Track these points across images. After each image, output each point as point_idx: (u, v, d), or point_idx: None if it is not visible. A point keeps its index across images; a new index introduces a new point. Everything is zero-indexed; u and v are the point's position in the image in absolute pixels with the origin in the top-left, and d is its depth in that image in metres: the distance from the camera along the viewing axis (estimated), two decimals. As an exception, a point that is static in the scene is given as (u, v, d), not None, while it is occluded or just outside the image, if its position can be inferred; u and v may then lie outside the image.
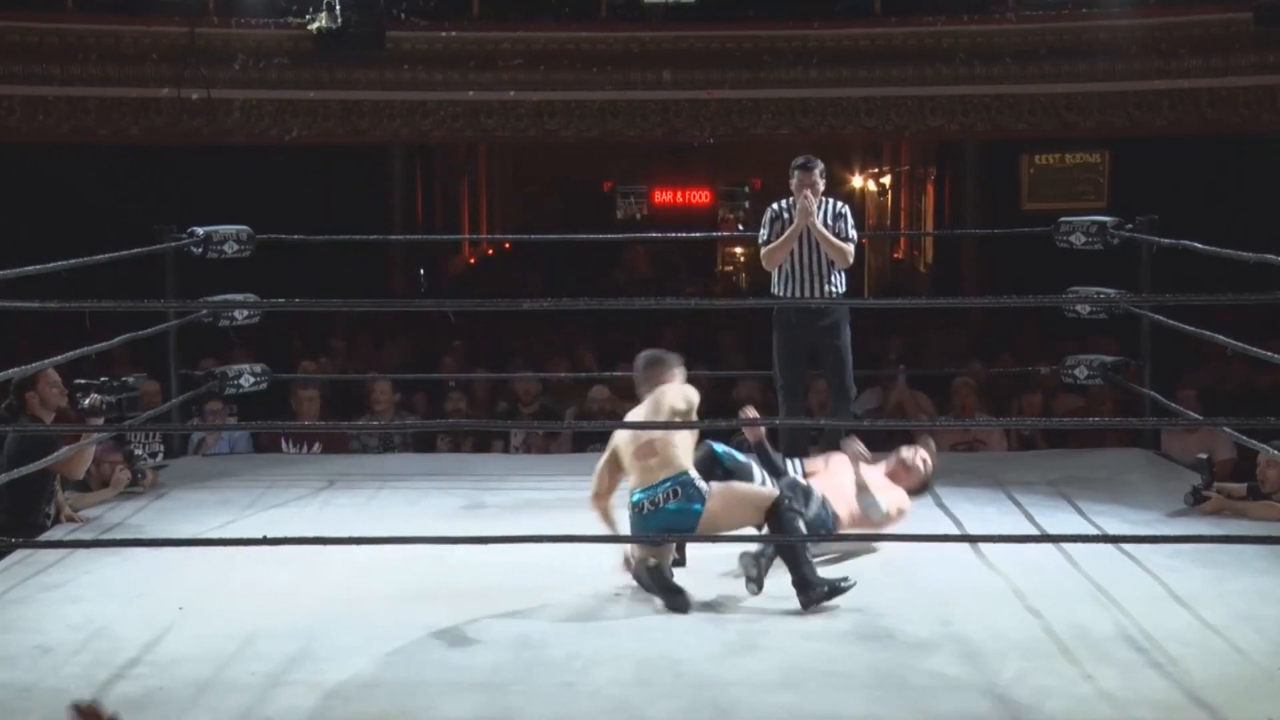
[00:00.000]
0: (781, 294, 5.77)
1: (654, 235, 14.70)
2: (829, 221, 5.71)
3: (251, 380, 6.70)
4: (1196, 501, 5.47)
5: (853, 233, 5.77)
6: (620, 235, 16.68)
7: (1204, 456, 5.60)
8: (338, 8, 9.56)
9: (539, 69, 10.46)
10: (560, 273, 15.93)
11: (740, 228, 19.84)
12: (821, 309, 5.72)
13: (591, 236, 11.52)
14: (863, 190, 19.14)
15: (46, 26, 10.09)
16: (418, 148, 14.10)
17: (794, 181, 5.71)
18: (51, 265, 4.68)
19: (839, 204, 5.86)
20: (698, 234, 14.20)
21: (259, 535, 4.36)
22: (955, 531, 5.15)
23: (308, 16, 9.87)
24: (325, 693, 3.64)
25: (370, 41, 9.92)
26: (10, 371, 4.64)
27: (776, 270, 5.78)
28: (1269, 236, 5.66)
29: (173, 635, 4.09)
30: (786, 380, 5.88)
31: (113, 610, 4.31)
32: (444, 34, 10.41)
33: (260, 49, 10.16)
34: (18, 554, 4.79)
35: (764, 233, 5.80)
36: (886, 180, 18.69)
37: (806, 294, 5.72)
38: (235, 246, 6.47)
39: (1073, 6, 10.39)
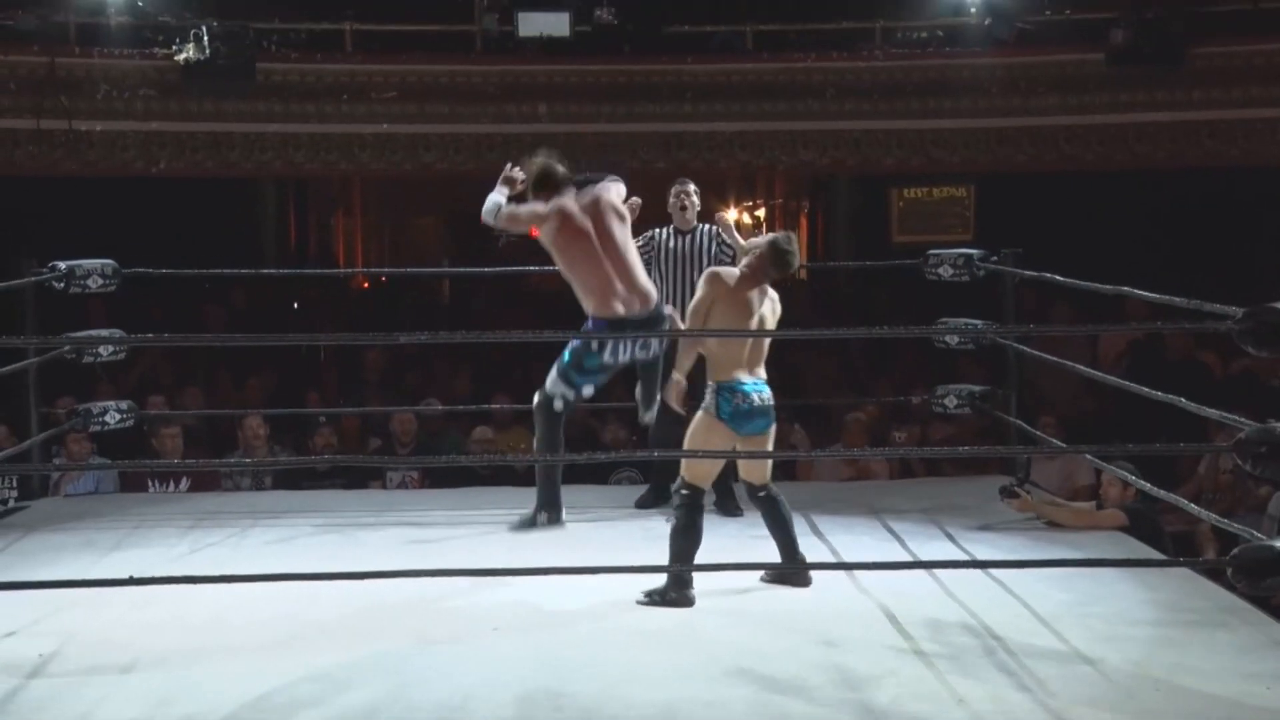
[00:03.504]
0: None
1: (531, 269, 14.66)
2: (716, 243, 6.01)
3: (118, 417, 6.53)
4: (1008, 496, 5.83)
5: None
6: (495, 269, 16.60)
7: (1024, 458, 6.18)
8: (205, 39, 9.40)
9: (413, 102, 10.42)
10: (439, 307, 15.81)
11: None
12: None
13: (465, 270, 11.46)
14: (738, 223, 19.32)
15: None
16: (291, 180, 13.92)
17: (671, 199, 6.08)
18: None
19: (714, 229, 6.09)
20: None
21: (124, 576, 4.25)
22: (831, 559, 5.23)
23: (174, 47, 9.71)
24: (195, 737, 3.56)
25: (239, 73, 9.79)
26: None
27: None
28: (1123, 270, 5.86)
29: (34, 683, 3.95)
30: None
31: (-31, 658, 4.15)
32: (315, 66, 10.32)
33: (125, 80, 9.96)
34: None
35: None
36: (761, 213, 18.94)
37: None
38: (100, 281, 6.31)
39: (937, 45, 10.70)
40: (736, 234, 5.78)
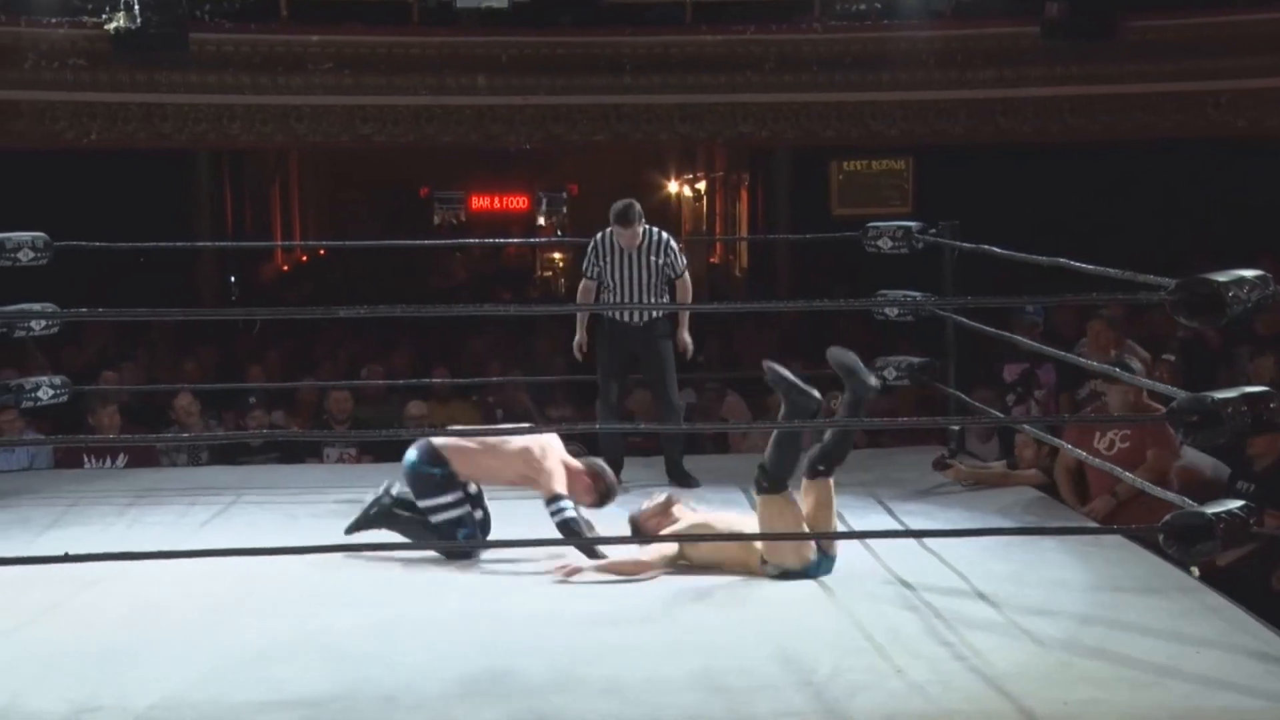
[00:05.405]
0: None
1: (471, 241, 14.64)
2: (654, 256, 5.92)
3: (51, 392, 6.42)
4: (940, 467, 6.02)
5: (682, 261, 6.04)
6: (437, 241, 16.58)
7: (955, 428, 6.27)
8: (136, 7, 9.22)
9: (350, 72, 10.31)
10: (376, 280, 15.75)
11: (559, 233, 19.88)
12: (641, 323, 5.95)
13: (408, 243, 11.39)
14: (679, 196, 19.36)
15: None
16: (226, 152, 13.74)
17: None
18: None
19: (662, 235, 6.06)
20: (514, 239, 14.20)
21: (61, 553, 4.20)
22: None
23: (104, 16, 9.52)
24: (135, 716, 3.52)
25: (172, 43, 9.62)
26: None
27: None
28: (1058, 242, 5.93)
29: (-32, 664, 3.90)
30: (605, 390, 6.06)
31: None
32: (250, 36, 10.17)
33: (54, 50, 9.76)
34: None
35: (586, 262, 6.12)
36: (702, 186, 18.94)
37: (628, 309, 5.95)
38: (31, 254, 6.17)
39: (875, 17, 10.72)
40: None
